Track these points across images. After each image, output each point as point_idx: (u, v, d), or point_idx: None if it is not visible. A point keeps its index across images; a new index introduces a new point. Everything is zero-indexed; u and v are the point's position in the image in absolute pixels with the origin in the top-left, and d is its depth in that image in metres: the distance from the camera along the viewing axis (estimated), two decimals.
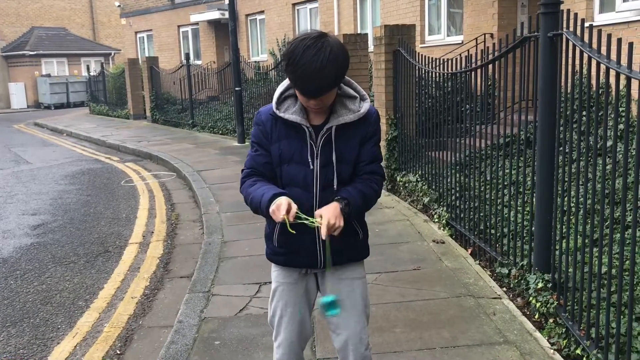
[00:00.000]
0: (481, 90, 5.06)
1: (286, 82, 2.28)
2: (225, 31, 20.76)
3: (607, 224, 3.09)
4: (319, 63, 2.03)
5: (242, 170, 2.38)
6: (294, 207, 2.14)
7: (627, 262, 3.56)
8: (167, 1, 24.79)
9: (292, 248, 2.36)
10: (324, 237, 2.14)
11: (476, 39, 9.58)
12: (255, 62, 17.99)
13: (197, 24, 23.06)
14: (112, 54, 36.74)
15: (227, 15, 17.76)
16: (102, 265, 5.66)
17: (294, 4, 18.11)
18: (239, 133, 13.01)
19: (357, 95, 2.28)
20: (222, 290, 4.55)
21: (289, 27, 18.28)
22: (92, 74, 26.41)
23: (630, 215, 4.39)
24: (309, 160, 2.25)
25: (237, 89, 13.05)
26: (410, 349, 3.46)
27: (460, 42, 10.51)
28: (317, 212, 2.18)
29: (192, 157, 11.38)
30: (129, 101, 20.69)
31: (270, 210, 2.15)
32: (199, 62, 21.58)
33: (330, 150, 2.26)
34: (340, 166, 2.27)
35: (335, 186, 2.27)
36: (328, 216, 2.13)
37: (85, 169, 11.48)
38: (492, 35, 9.72)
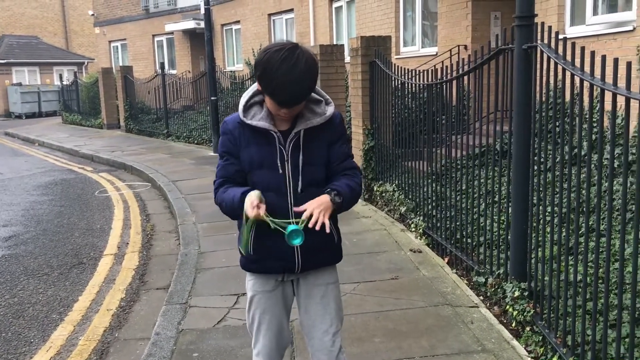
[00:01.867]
0: (457, 101, 5.12)
1: (251, 90, 2.31)
2: (201, 41, 20.71)
3: (581, 232, 3.15)
4: (296, 74, 2.09)
5: (214, 181, 2.40)
6: (262, 206, 2.21)
7: (601, 269, 3.63)
8: (142, 10, 24.63)
9: (268, 254, 2.36)
10: (315, 227, 2.18)
11: (450, 50, 9.72)
12: (231, 71, 17.97)
13: (172, 33, 22.96)
14: (86, 63, 36.33)
15: (202, 24, 17.73)
16: (76, 277, 5.56)
17: (269, 15, 18.15)
18: (215, 143, 12.94)
19: (322, 99, 2.33)
20: (199, 301, 4.50)
21: (264, 37, 18.31)
22: (64, 83, 26.05)
23: (603, 224, 4.47)
24: (279, 164, 2.28)
25: (212, 98, 13.01)
26: (390, 359, 3.46)
27: (435, 53, 10.64)
28: (304, 206, 2.22)
29: (167, 167, 11.28)
30: (102, 110, 20.46)
31: (247, 208, 2.21)
32: (173, 72, 21.47)
33: (299, 154, 2.30)
34: (310, 168, 2.31)
35: (299, 190, 2.30)
36: (312, 208, 2.20)
37: (58, 179, 11.30)
38: (465, 47, 9.86)
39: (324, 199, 2.23)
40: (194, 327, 4.04)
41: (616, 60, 2.53)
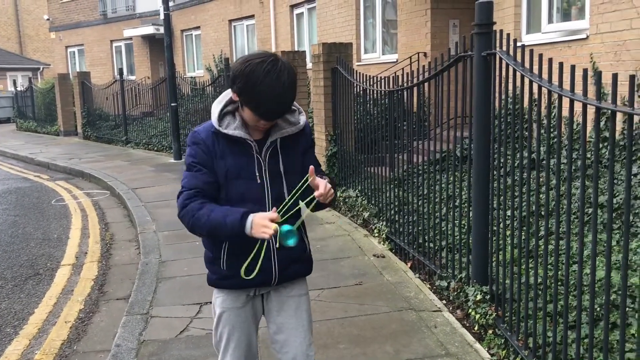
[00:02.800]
0: (417, 107, 5.18)
1: (224, 99, 2.25)
2: (160, 46, 20.45)
3: (541, 235, 3.20)
4: (280, 88, 2.06)
5: (181, 192, 2.25)
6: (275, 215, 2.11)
7: (561, 272, 3.70)
8: (99, 15, 24.19)
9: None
10: (319, 197, 2.13)
11: (410, 57, 9.82)
12: (191, 77, 17.78)
13: (130, 39, 22.62)
14: (41, 69, 35.45)
15: (162, 30, 17.48)
16: (32, 288, 5.39)
17: (230, 20, 18.05)
18: (175, 150, 12.78)
19: (295, 109, 2.32)
20: (161, 311, 4.42)
21: (225, 43, 18.20)
22: (19, 88, 25.36)
23: (563, 227, 4.57)
24: (257, 174, 2.24)
25: (172, 104, 12.84)
26: None
27: (395, 60, 10.74)
28: (320, 183, 2.14)
29: (127, 174, 11.08)
30: (59, 117, 19.99)
31: (257, 230, 2.08)
32: (132, 78, 21.13)
33: (277, 162, 2.27)
34: (288, 177, 2.29)
35: (286, 196, 2.27)
36: (325, 187, 2.13)
37: (12, 187, 10.97)
38: (425, 54, 9.98)
39: (330, 186, 2.17)
40: (156, 338, 3.96)
41: (573, 68, 2.59)
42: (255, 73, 2.05)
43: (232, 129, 2.21)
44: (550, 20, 6.94)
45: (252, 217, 2.11)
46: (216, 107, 2.24)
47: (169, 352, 3.74)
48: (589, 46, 6.08)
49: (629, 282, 3.52)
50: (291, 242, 2.15)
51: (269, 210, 2.22)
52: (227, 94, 2.24)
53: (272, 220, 2.09)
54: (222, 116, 2.23)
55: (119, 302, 4.95)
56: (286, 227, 2.14)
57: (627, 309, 3.28)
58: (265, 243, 2.21)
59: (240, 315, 2.39)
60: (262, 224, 2.08)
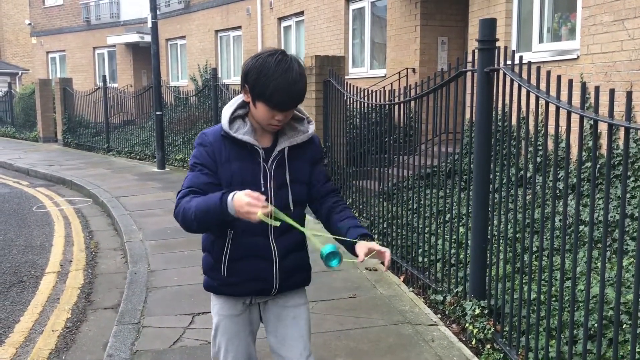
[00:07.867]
0: (414, 121, 5.20)
1: (235, 103, 2.23)
2: (144, 54, 20.34)
3: (545, 251, 3.22)
4: (293, 75, 2.09)
5: (179, 192, 2.22)
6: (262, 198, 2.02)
7: (554, 288, 3.72)
8: (83, 22, 23.99)
9: (246, 276, 2.26)
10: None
11: (399, 72, 9.90)
12: (175, 86, 17.69)
13: (114, 46, 22.45)
14: (20, 74, 34.91)
15: (146, 38, 17.40)
16: (16, 296, 5.26)
17: (216, 31, 18.03)
18: (159, 159, 12.65)
19: (304, 117, 2.30)
20: (152, 321, 4.33)
21: (211, 53, 18.16)
22: None
23: (548, 243, 4.60)
24: (262, 182, 2.20)
25: (157, 113, 12.73)
26: None
27: (384, 75, 10.81)
28: (371, 246, 2.15)
29: (109, 182, 10.92)
30: (38, 123, 19.70)
31: (243, 207, 1.96)
32: (114, 85, 20.95)
33: (283, 171, 2.24)
34: (295, 187, 2.26)
35: (291, 207, 2.23)
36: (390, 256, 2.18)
37: None
38: (414, 70, 10.07)
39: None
40: (149, 348, 3.87)
41: (584, 85, 2.63)
42: (267, 64, 2.08)
43: (242, 133, 2.19)
44: (540, 40, 7.06)
45: (232, 195, 2.00)
46: (227, 110, 2.22)
47: None
48: (580, 66, 6.18)
49: (624, 299, 3.55)
50: (334, 263, 2.05)
51: (271, 219, 2.13)
52: (238, 99, 2.24)
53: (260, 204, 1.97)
54: (232, 120, 2.21)
55: (107, 312, 4.85)
56: (329, 248, 2.04)
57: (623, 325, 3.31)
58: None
59: (237, 323, 2.35)
60: (246, 202, 1.95)
